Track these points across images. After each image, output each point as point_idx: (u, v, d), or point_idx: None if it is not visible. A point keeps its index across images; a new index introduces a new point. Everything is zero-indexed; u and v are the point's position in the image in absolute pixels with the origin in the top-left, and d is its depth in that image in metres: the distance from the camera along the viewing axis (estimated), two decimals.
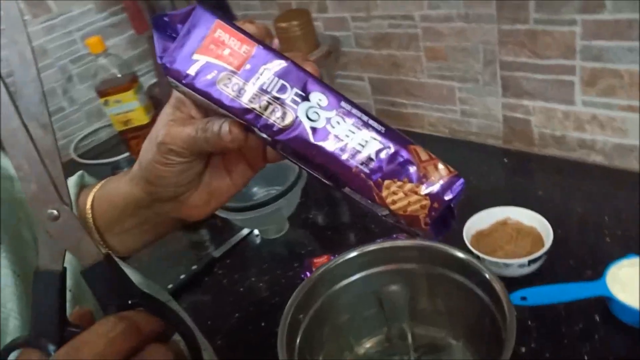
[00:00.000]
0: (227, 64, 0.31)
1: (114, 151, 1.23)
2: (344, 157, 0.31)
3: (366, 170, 0.31)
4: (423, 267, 0.44)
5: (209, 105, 0.32)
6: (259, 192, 0.89)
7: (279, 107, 0.31)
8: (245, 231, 0.88)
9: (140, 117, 1.14)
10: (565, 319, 0.58)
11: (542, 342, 0.56)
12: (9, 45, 0.28)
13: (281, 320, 0.40)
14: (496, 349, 0.37)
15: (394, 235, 0.67)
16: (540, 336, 0.57)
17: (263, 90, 0.31)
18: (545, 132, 0.84)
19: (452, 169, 0.31)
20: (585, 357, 0.54)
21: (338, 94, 0.31)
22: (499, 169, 0.88)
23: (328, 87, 0.31)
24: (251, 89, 0.31)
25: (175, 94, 0.36)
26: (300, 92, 0.31)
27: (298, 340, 0.40)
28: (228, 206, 0.79)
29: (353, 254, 0.45)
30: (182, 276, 0.81)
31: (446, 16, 0.85)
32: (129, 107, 1.12)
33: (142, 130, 1.15)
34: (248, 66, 0.31)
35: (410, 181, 0.31)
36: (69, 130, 1.29)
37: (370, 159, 0.31)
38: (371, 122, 0.31)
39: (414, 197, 0.31)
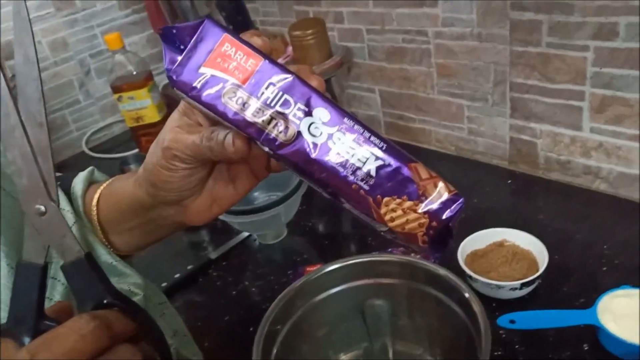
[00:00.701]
0: (233, 77, 0.31)
1: (124, 147, 1.25)
2: (344, 173, 0.31)
3: (365, 187, 0.31)
4: (404, 283, 0.44)
5: (214, 117, 0.33)
6: (260, 196, 0.89)
7: (281, 121, 0.31)
8: (244, 235, 0.88)
9: (151, 115, 1.16)
10: (554, 346, 0.57)
11: None
12: (16, 45, 0.29)
13: (258, 330, 0.40)
14: None
15: (390, 250, 0.66)
16: None
17: (267, 105, 0.31)
18: (551, 156, 0.84)
19: (452, 188, 0.31)
20: None
21: (341, 110, 0.32)
22: (502, 190, 0.87)
23: (331, 103, 0.32)
24: (255, 103, 0.31)
25: None
26: (303, 107, 0.31)
27: (274, 352, 0.40)
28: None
29: (334, 266, 0.45)
30: (177, 275, 0.81)
31: (459, 34, 0.85)
32: (141, 105, 1.14)
33: (153, 128, 1.17)
34: (253, 80, 0.31)
35: (410, 199, 0.31)
36: (83, 123, 1.32)
37: (370, 175, 0.31)
38: (373, 138, 0.31)
39: (413, 215, 0.31)
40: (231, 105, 0.32)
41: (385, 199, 0.31)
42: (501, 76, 0.83)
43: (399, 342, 0.47)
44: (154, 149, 0.38)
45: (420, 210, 0.31)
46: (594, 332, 0.57)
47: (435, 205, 0.31)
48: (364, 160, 0.31)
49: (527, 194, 0.85)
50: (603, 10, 0.67)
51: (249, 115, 0.31)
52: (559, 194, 0.82)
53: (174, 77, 0.32)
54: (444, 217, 0.31)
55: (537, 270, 0.63)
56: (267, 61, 0.32)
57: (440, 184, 0.31)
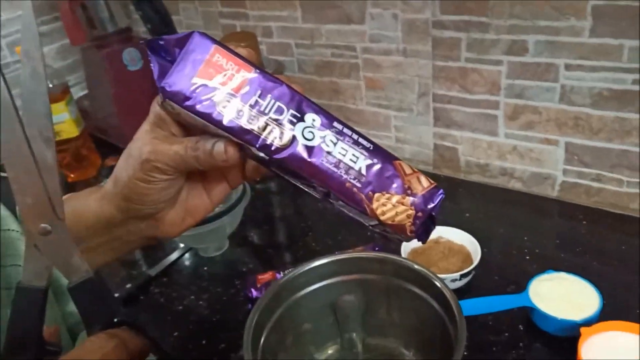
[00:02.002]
0: (226, 87, 0.33)
1: None
2: (338, 173, 0.33)
3: (358, 184, 0.34)
4: (383, 278, 0.47)
5: (205, 126, 0.33)
6: None
7: (276, 127, 0.33)
8: (183, 249, 0.87)
9: (70, 130, 1.10)
10: (493, 329, 0.63)
11: (474, 350, 0.61)
12: (24, 60, 0.28)
13: (247, 322, 0.41)
14: (443, 359, 0.40)
15: (336, 253, 0.69)
16: (471, 345, 0.61)
17: (261, 112, 0.33)
18: (471, 160, 0.92)
19: (432, 181, 0.35)
20: None
21: (330, 114, 0.34)
22: None
23: (321, 108, 0.34)
24: (249, 110, 0.33)
25: (155, 111, 0.36)
26: (295, 113, 0.33)
27: (261, 344, 0.42)
28: None
29: (316, 263, 0.47)
30: (117, 295, 0.78)
31: (385, 50, 0.91)
32: (59, 119, 1.07)
33: (70, 144, 1.11)
34: (246, 89, 0.33)
35: (397, 193, 0.34)
36: None
37: (361, 174, 0.33)
38: (360, 139, 0.34)
39: (401, 208, 0.34)
40: (226, 113, 0.33)
41: (376, 194, 0.34)
42: (425, 88, 0.90)
43: (374, 337, 0.49)
44: (125, 162, 0.37)
45: (407, 203, 0.34)
46: (526, 314, 0.63)
47: (419, 198, 0.34)
48: (355, 160, 0.34)
49: (452, 195, 0.92)
50: (514, 29, 0.76)
51: (244, 122, 0.33)
52: (480, 194, 0.90)
53: (167, 88, 0.33)
54: (428, 207, 0.35)
55: (472, 263, 0.69)
56: (258, 71, 0.34)
57: (422, 178, 0.35)
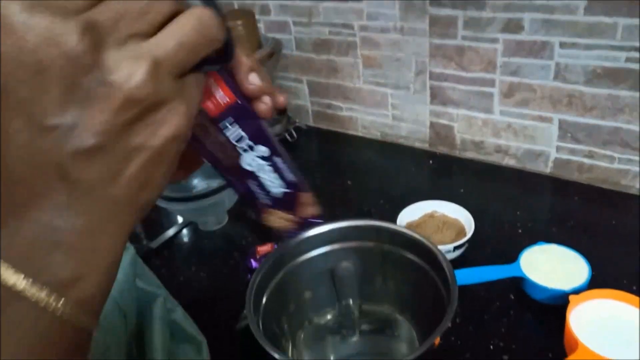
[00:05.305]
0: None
1: None
2: (258, 192, 0.36)
3: (266, 200, 0.37)
4: (379, 245, 0.49)
5: None
6: (200, 184, 0.90)
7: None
8: (182, 224, 0.88)
9: None
10: (485, 299, 0.66)
11: (465, 318, 0.63)
12: None
13: (249, 284, 0.43)
14: (436, 323, 0.42)
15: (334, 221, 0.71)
16: (463, 313, 0.64)
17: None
18: (466, 138, 0.94)
19: (319, 212, 0.40)
20: (502, 330, 0.61)
21: (277, 148, 0.36)
22: (425, 170, 0.96)
23: (273, 144, 0.35)
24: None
25: None
26: (250, 143, 0.34)
27: (263, 305, 0.43)
28: (169, 196, 0.79)
29: (315, 231, 0.48)
30: None
31: (383, 28, 0.92)
32: None
33: None
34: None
35: (289, 213, 0.38)
36: None
37: (272, 196, 0.37)
38: (286, 174, 0.37)
39: (286, 222, 0.39)
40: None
41: (272, 210, 0.38)
42: (422, 66, 0.92)
43: (371, 304, 0.51)
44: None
45: (292, 220, 0.39)
46: (517, 284, 0.66)
47: (301, 220, 0.39)
48: (276, 185, 0.37)
49: (447, 172, 0.94)
50: (511, 7, 0.77)
51: None
52: (475, 171, 0.92)
53: None
54: (305, 226, 0.39)
55: (466, 235, 0.71)
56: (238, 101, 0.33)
57: (312, 210, 0.39)
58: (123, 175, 0.22)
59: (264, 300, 0.44)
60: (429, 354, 0.38)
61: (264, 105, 0.31)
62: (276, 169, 0.37)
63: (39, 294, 0.21)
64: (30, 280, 0.21)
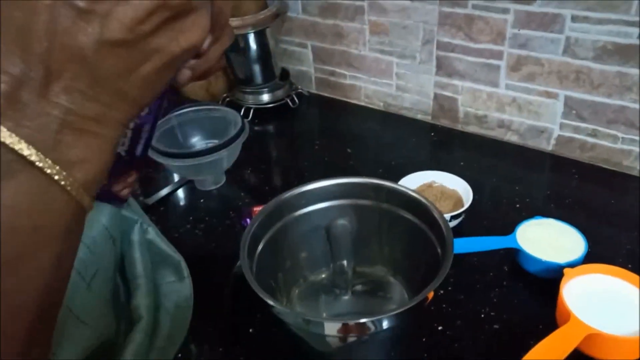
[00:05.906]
0: None
1: None
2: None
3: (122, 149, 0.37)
4: (376, 204, 0.48)
5: None
6: (199, 143, 0.89)
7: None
8: (179, 182, 0.88)
9: None
10: (479, 269, 0.66)
11: (457, 287, 0.63)
12: None
13: (245, 230, 0.43)
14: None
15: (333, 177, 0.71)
16: (456, 282, 0.64)
17: None
18: (470, 111, 0.93)
19: (126, 196, 0.41)
20: (494, 300, 0.61)
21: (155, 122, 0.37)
22: (426, 143, 0.95)
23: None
24: None
25: None
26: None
27: (257, 253, 0.43)
28: (167, 151, 0.79)
29: (313, 185, 0.48)
30: None
31: None
32: None
33: None
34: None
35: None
36: None
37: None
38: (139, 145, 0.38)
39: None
40: None
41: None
42: (429, 35, 0.90)
43: (364, 265, 0.51)
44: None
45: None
46: (512, 257, 0.66)
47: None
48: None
49: (448, 145, 0.93)
50: None
51: None
52: (476, 145, 0.91)
53: None
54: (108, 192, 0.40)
55: (463, 206, 0.71)
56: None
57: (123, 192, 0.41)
58: (137, 73, 0.23)
59: (259, 248, 0.43)
60: (421, 308, 0.37)
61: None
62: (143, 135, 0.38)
63: (52, 169, 0.22)
64: (42, 155, 0.22)
